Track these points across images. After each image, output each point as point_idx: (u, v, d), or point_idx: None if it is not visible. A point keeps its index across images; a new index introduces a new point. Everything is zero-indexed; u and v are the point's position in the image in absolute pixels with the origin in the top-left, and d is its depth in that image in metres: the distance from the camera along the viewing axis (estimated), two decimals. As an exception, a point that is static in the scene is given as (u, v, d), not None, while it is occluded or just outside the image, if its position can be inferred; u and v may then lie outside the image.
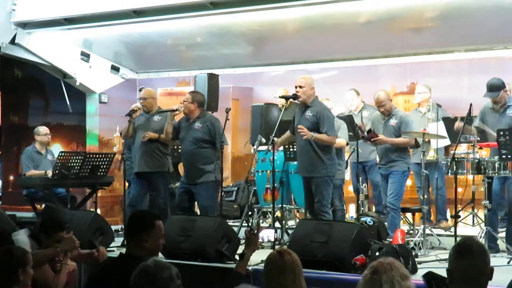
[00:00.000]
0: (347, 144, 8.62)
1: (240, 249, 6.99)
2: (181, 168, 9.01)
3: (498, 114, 7.55)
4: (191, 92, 8.58)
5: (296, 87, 7.63)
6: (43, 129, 10.28)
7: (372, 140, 8.05)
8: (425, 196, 7.99)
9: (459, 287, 3.22)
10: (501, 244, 7.42)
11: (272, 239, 7.36)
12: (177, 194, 8.48)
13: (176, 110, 8.34)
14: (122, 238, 8.59)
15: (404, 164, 8.06)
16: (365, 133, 8.21)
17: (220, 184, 8.28)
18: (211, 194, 8.20)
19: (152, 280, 3.34)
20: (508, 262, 6.89)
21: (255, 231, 4.94)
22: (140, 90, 9.31)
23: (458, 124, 7.65)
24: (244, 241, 7.54)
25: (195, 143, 8.20)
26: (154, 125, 8.61)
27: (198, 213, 8.45)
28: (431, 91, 9.09)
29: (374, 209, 9.30)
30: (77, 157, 9.51)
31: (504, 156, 6.99)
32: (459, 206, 8.03)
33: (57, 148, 11.69)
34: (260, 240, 5.09)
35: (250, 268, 5.92)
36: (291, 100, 8.06)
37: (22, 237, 5.51)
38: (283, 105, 7.90)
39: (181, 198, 8.31)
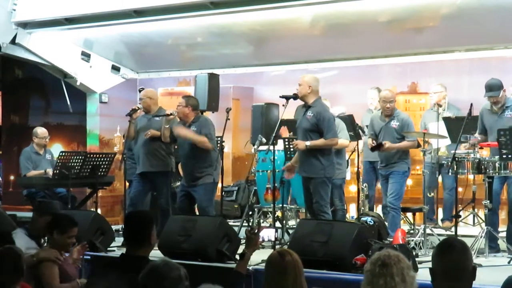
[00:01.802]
0: (350, 141, 8.61)
1: (241, 249, 7.01)
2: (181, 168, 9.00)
3: (496, 115, 7.55)
4: (185, 96, 8.59)
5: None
6: (41, 132, 10.23)
7: (381, 150, 8.03)
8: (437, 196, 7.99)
9: (441, 285, 3.21)
10: (502, 244, 7.42)
11: (273, 239, 7.36)
12: (178, 198, 8.50)
13: (171, 114, 8.35)
14: (122, 238, 8.58)
15: (405, 165, 8.06)
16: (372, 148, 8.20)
17: (216, 185, 8.32)
18: (209, 195, 8.23)
19: (161, 280, 3.36)
20: (509, 262, 6.89)
21: (256, 231, 4.94)
22: (140, 91, 9.30)
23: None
24: (244, 240, 7.58)
25: (191, 147, 8.22)
26: (155, 124, 8.61)
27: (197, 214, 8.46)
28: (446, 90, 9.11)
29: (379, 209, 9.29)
30: (77, 157, 9.51)
31: (504, 156, 6.99)
32: (460, 205, 8.04)
33: (57, 148, 11.69)
34: (261, 239, 5.08)
35: (250, 267, 5.92)
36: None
37: (19, 241, 5.54)
38: (283, 105, 7.89)
39: (181, 202, 8.34)
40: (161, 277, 3.35)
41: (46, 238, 5.90)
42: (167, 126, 8.36)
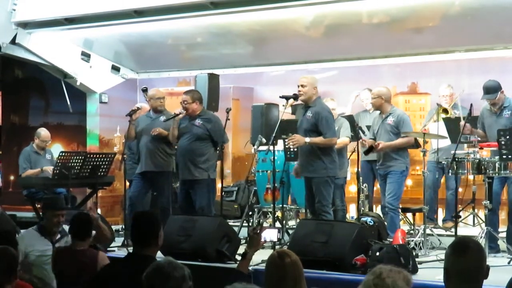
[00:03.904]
0: (350, 141, 8.60)
1: (241, 249, 7.01)
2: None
3: (495, 116, 7.56)
4: (188, 92, 8.57)
5: (298, 86, 7.63)
6: (44, 135, 10.16)
7: (375, 151, 8.02)
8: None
9: (455, 285, 3.23)
10: (502, 245, 7.42)
11: (275, 239, 7.33)
12: (178, 197, 8.50)
13: (180, 114, 8.34)
14: (122, 238, 8.60)
15: (402, 164, 8.03)
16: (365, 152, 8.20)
17: (215, 183, 8.31)
18: (206, 193, 8.22)
19: (165, 279, 3.35)
20: (509, 262, 6.89)
21: (258, 231, 4.94)
22: (144, 90, 9.27)
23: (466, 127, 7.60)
24: (244, 241, 7.56)
25: (194, 139, 8.22)
26: (160, 125, 8.61)
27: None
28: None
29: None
30: (77, 157, 9.50)
31: (504, 156, 6.99)
32: (460, 206, 8.03)
33: (57, 148, 11.68)
34: (263, 240, 5.08)
35: (250, 268, 5.92)
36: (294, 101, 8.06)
37: (30, 240, 5.67)
38: (283, 105, 7.90)
39: (183, 202, 8.36)
40: (165, 277, 3.35)
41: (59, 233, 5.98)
42: (176, 126, 8.36)
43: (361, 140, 8.09)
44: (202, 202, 8.19)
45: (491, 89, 7.45)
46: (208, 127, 8.24)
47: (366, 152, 8.08)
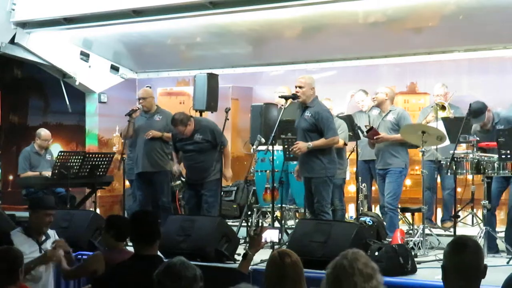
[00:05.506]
0: (345, 144, 8.58)
1: (240, 249, 7.01)
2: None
3: (490, 134, 7.49)
4: (180, 122, 8.34)
5: (296, 87, 7.62)
6: (45, 134, 10.16)
7: (374, 138, 8.03)
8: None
9: (453, 283, 3.23)
10: (500, 244, 7.42)
11: (276, 240, 7.32)
12: (185, 199, 8.55)
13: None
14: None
15: (401, 162, 8.04)
16: (365, 132, 8.21)
17: (221, 182, 8.37)
18: (215, 191, 8.32)
19: (176, 279, 3.35)
20: (508, 262, 6.89)
21: (259, 231, 4.94)
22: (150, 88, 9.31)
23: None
24: (243, 240, 7.55)
25: (198, 152, 8.31)
26: (155, 124, 8.64)
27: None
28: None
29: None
30: (76, 157, 9.50)
31: (503, 156, 6.99)
32: (459, 206, 8.04)
33: (56, 148, 11.68)
34: (263, 241, 5.08)
35: (249, 267, 5.92)
36: (291, 100, 8.05)
37: (16, 241, 5.57)
38: (282, 105, 7.90)
39: (190, 204, 8.40)
40: (177, 276, 3.34)
41: (44, 235, 5.89)
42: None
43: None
44: (210, 198, 8.29)
45: (478, 112, 7.34)
46: (208, 138, 8.28)
47: (367, 132, 8.09)
